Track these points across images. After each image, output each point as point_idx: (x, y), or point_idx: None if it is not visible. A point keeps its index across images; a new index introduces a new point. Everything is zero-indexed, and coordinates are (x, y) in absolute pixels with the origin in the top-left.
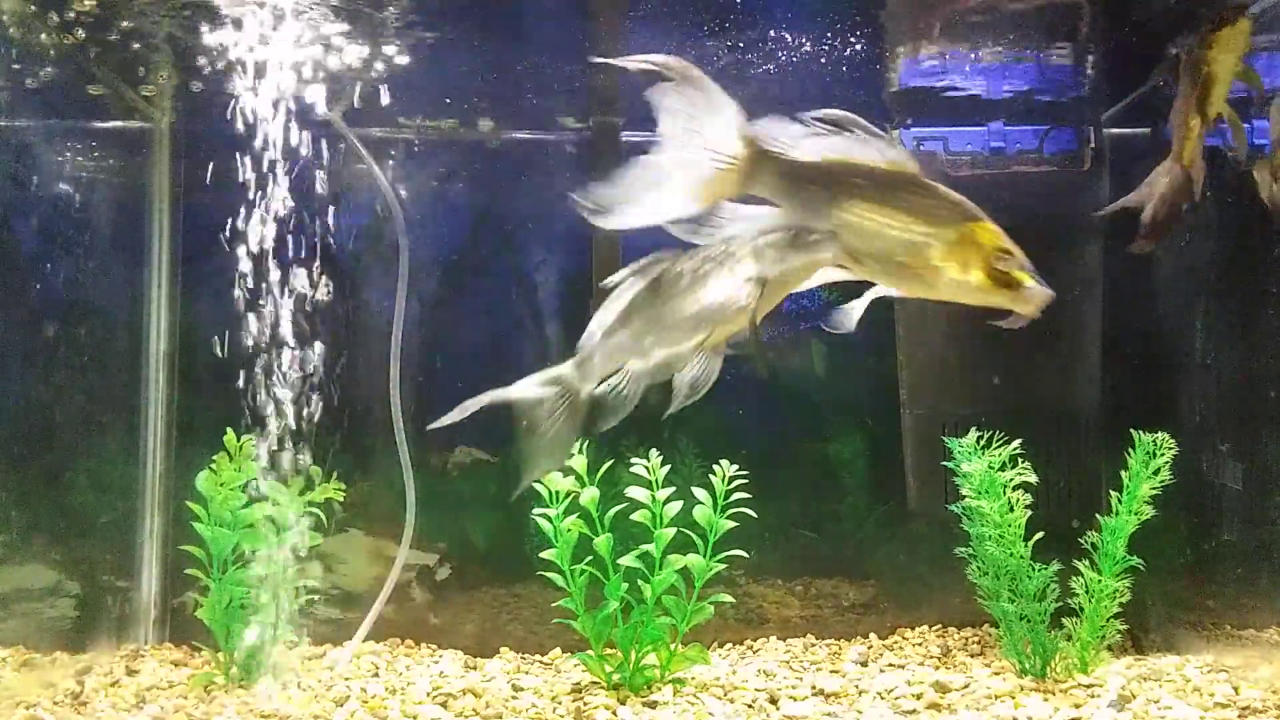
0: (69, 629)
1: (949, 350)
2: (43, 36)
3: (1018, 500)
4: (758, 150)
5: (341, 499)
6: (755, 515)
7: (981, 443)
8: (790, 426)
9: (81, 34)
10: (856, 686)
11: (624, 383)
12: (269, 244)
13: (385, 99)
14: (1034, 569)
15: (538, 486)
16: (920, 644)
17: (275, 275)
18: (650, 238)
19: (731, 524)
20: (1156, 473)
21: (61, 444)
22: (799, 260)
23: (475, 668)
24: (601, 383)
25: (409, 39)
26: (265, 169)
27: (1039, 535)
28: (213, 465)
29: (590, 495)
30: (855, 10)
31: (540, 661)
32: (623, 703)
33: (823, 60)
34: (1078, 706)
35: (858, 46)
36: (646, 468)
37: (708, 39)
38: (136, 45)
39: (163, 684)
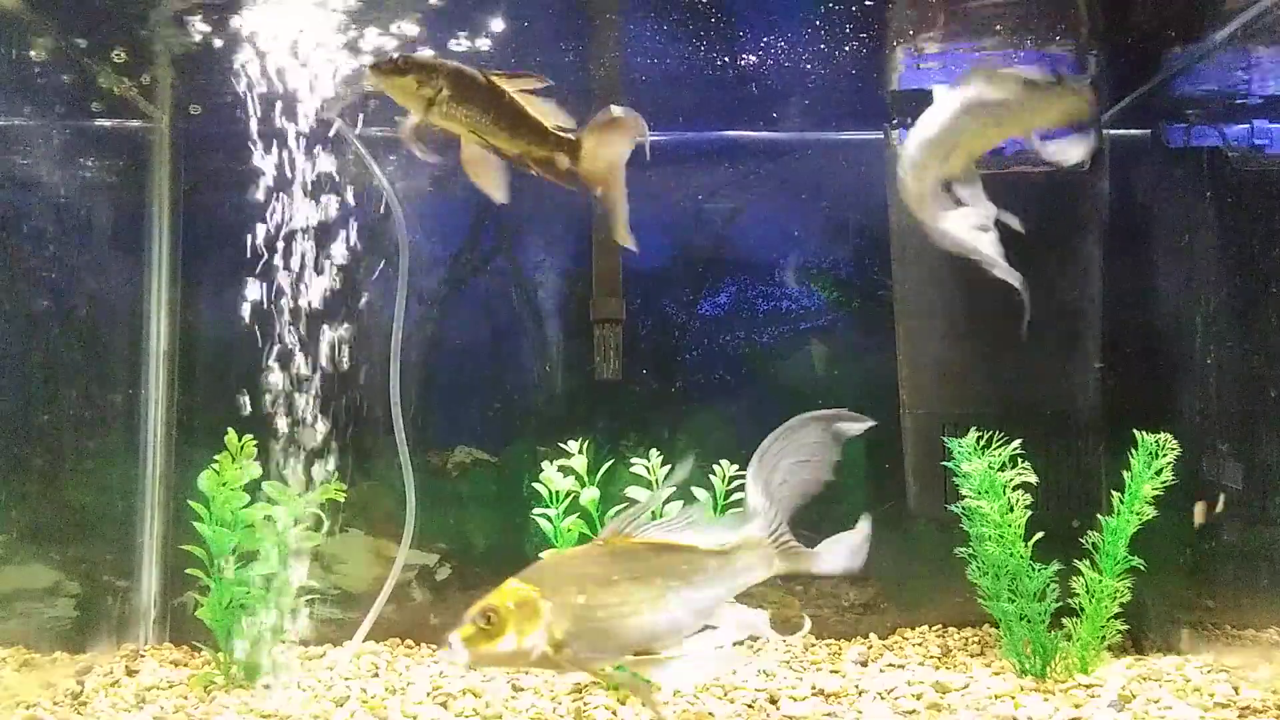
0: (69, 629)
1: (949, 351)
2: (43, 35)
3: (1018, 500)
4: None
5: (342, 499)
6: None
7: (981, 443)
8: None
9: (84, 33)
10: (856, 686)
11: None
12: (276, 244)
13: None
14: (1034, 569)
15: (538, 487)
16: (920, 644)
17: (283, 276)
18: (653, 238)
19: None
20: (1159, 473)
21: (62, 443)
22: None
23: (475, 668)
24: None
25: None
26: (270, 168)
27: (1039, 535)
28: (214, 465)
29: (590, 495)
30: (854, 9)
31: None
32: (623, 703)
33: (822, 59)
34: (1078, 706)
35: (857, 45)
36: (646, 468)
37: (703, 37)
38: (140, 44)
39: (163, 684)
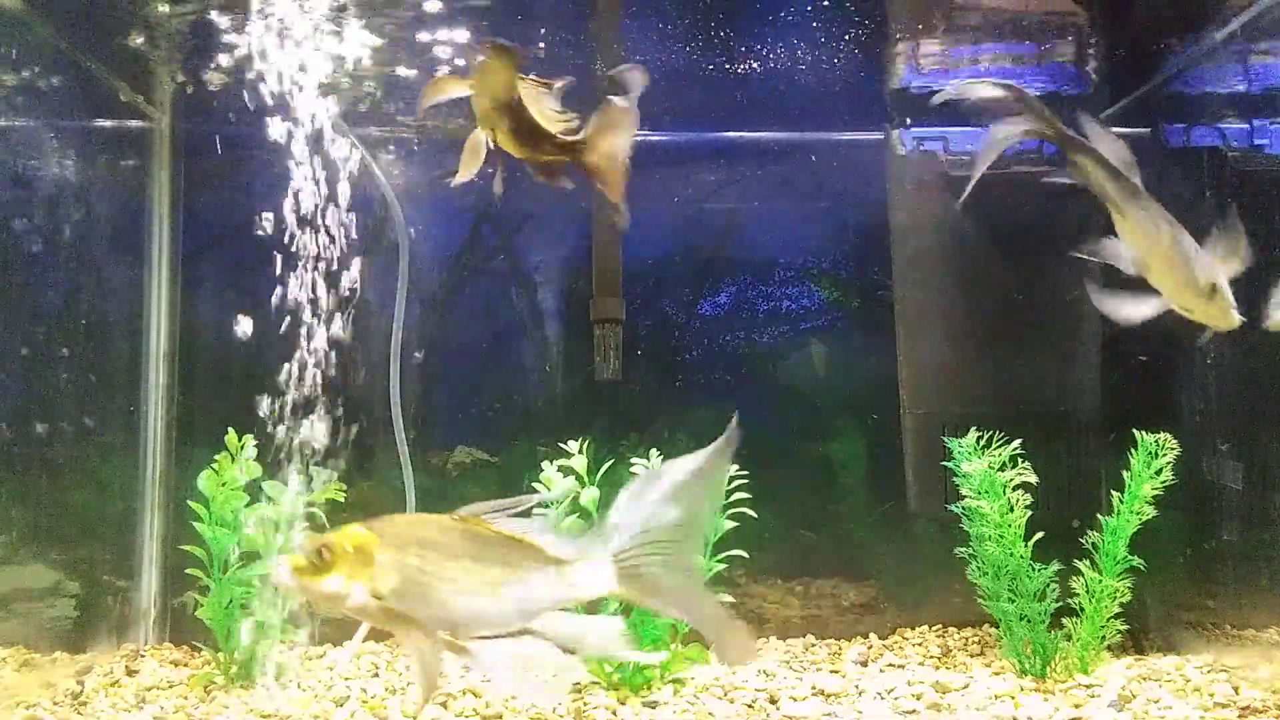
0: (69, 629)
1: (949, 351)
2: (44, 35)
3: (1018, 500)
4: None
5: (342, 499)
6: (755, 516)
7: (981, 443)
8: (790, 427)
9: (85, 33)
10: (856, 686)
11: None
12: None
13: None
14: (1034, 569)
15: (538, 487)
16: (920, 644)
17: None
18: (653, 238)
19: (732, 524)
20: (1158, 473)
21: (62, 444)
22: None
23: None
24: None
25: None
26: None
27: (1039, 535)
28: (214, 465)
29: (590, 495)
30: (854, 9)
31: None
32: (623, 703)
33: (822, 60)
34: (1078, 706)
35: (857, 46)
36: (647, 468)
37: (703, 37)
38: (141, 44)
39: (163, 684)
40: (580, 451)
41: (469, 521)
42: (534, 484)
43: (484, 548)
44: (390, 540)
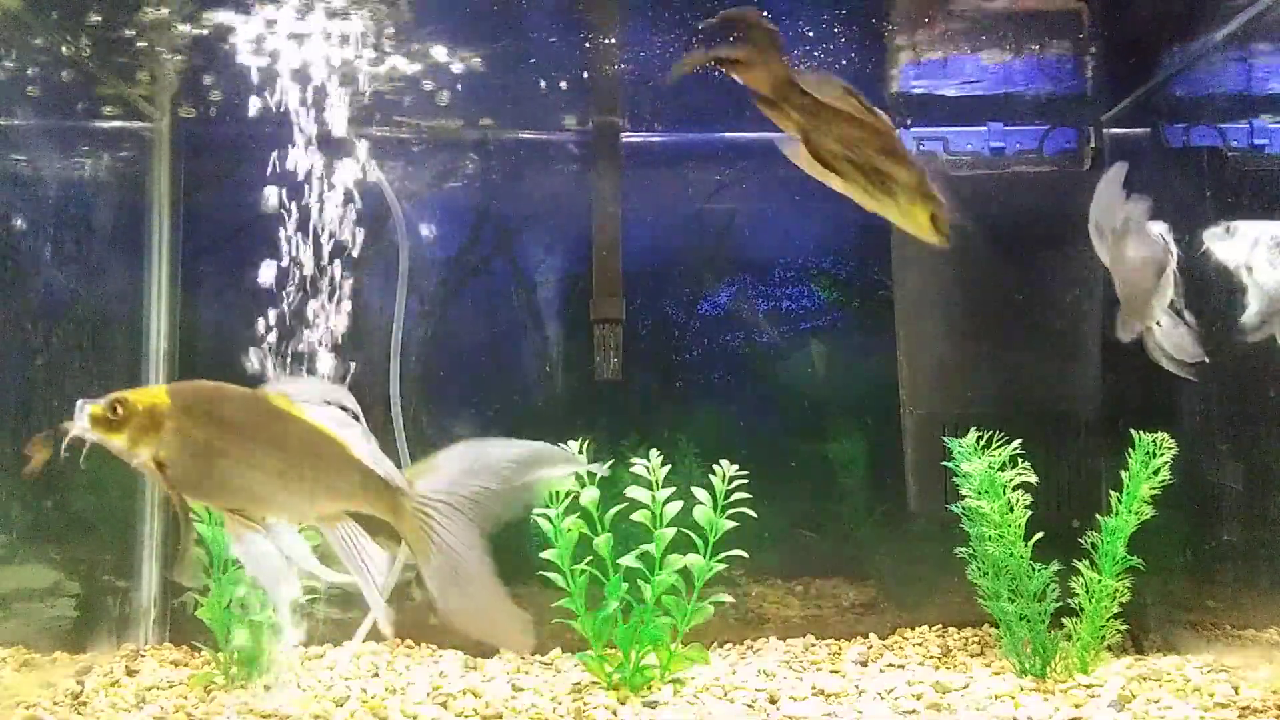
0: (69, 629)
1: (949, 351)
2: (44, 36)
3: (1018, 500)
4: None
5: None
6: (755, 516)
7: (981, 443)
8: (790, 427)
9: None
10: (856, 686)
11: None
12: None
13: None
14: (1034, 569)
15: None
16: (920, 644)
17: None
18: (652, 240)
19: (732, 524)
20: (1156, 473)
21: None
22: None
23: (475, 668)
24: None
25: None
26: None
27: (1039, 535)
28: None
29: (590, 495)
30: (855, 9)
31: (540, 661)
32: (623, 703)
33: (823, 59)
34: (1078, 706)
35: (857, 46)
36: (646, 468)
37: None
38: (141, 45)
39: (163, 684)
40: (580, 451)
41: (277, 401)
42: None
43: (284, 430)
44: (185, 408)
